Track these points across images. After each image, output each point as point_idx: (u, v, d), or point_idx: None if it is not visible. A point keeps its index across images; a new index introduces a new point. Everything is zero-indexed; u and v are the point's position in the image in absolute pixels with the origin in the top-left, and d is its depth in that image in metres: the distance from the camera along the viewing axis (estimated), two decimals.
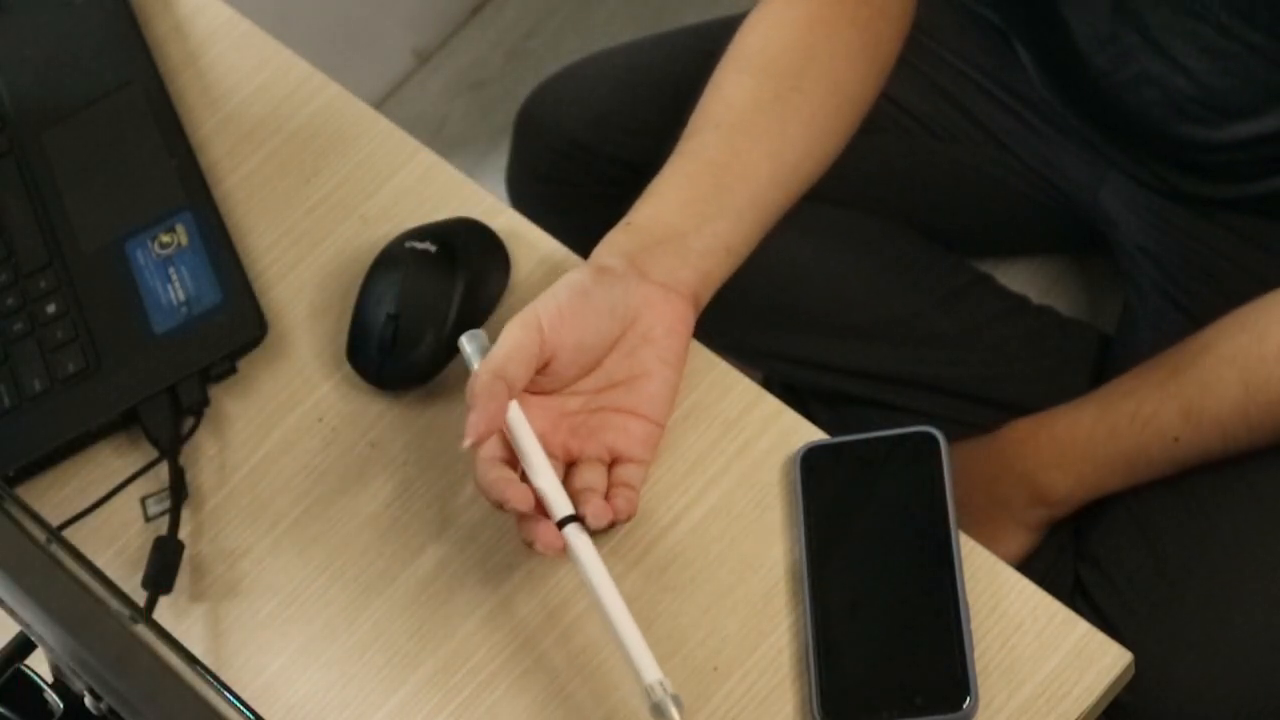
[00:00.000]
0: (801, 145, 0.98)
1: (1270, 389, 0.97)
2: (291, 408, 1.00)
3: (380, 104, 2.04)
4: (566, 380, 0.88)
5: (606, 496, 0.88)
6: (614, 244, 0.91)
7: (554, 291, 0.88)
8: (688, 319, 0.91)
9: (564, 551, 0.85)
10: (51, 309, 1.03)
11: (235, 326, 1.00)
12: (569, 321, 0.87)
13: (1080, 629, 0.83)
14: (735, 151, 0.96)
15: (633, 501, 0.88)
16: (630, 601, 0.89)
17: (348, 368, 0.99)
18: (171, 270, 1.03)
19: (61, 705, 0.69)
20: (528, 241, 1.01)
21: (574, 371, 0.88)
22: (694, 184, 0.94)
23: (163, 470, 0.98)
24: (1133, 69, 1.06)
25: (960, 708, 0.80)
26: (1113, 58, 1.07)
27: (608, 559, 0.90)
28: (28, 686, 0.70)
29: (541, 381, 0.88)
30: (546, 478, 0.86)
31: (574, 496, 0.87)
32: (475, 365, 0.89)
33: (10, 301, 1.04)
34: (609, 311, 0.88)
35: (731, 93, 0.98)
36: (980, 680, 0.82)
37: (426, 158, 1.06)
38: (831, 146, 1.00)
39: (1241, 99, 1.05)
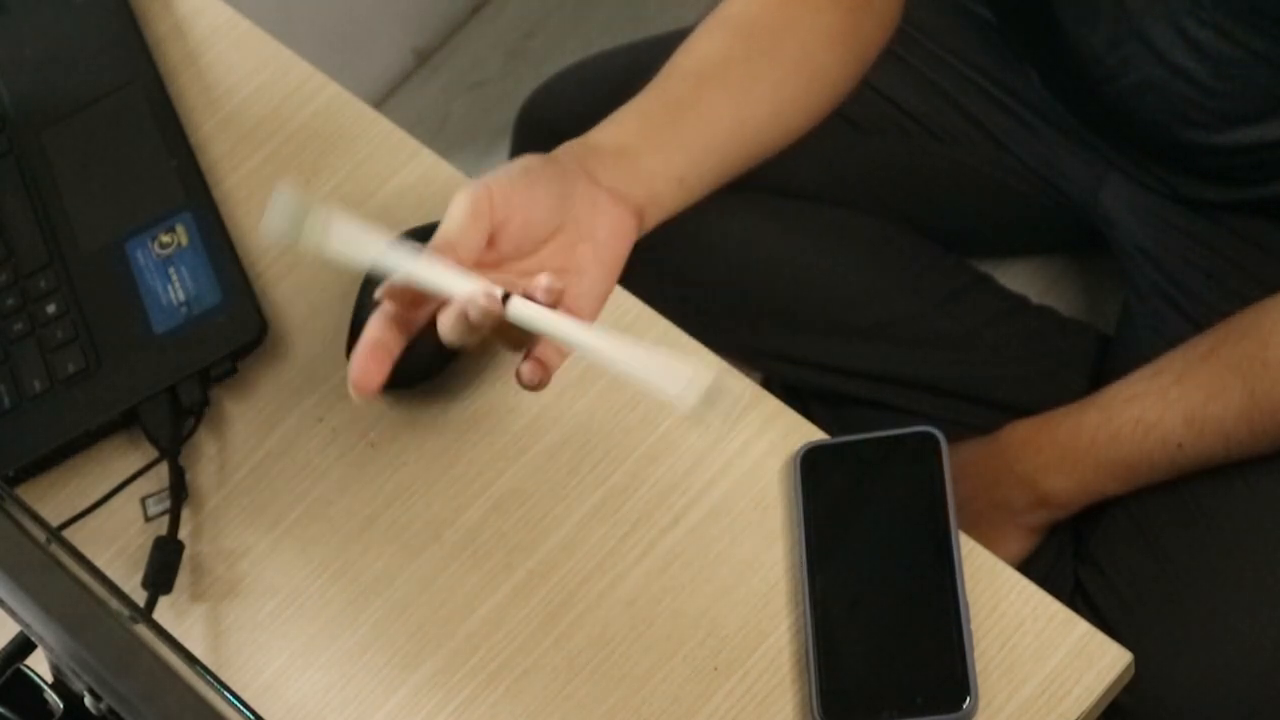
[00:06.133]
0: (767, 107, 0.97)
1: (1274, 395, 0.97)
2: (291, 408, 1.00)
3: (380, 104, 2.04)
4: (504, 256, 0.85)
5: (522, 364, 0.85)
6: (566, 149, 0.90)
7: (502, 169, 0.86)
8: (630, 230, 0.88)
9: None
10: (51, 309, 1.03)
11: (235, 327, 1.00)
12: (518, 195, 0.84)
13: (1080, 629, 0.83)
14: (699, 96, 0.95)
15: (548, 374, 0.84)
16: (630, 602, 0.89)
17: (348, 368, 0.99)
18: (171, 270, 1.03)
19: (61, 705, 0.69)
20: None
21: (513, 248, 0.85)
22: (653, 116, 0.93)
23: (163, 470, 0.98)
24: (1134, 75, 1.06)
25: (960, 708, 0.81)
26: (1114, 64, 1.07)
27: (607, 560, 0.90)
28: (28, 686, 0.70)
29: (481, 255, 0.84)
30: (467, 282, 0.81)
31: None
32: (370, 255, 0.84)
33: (10, 301, 1.04)
34: (557, 196, 0.86)
35: (702, 46, 0.98)
36: (980, 680, 0.82)
37: (426, 158, 1.06)
38: (799, 119, 0.99)
39: (1244, 104, 1.05)
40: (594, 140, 0.92)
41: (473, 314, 0.79)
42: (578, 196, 0.86)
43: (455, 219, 0.82)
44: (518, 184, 0.85)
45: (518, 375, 0.82)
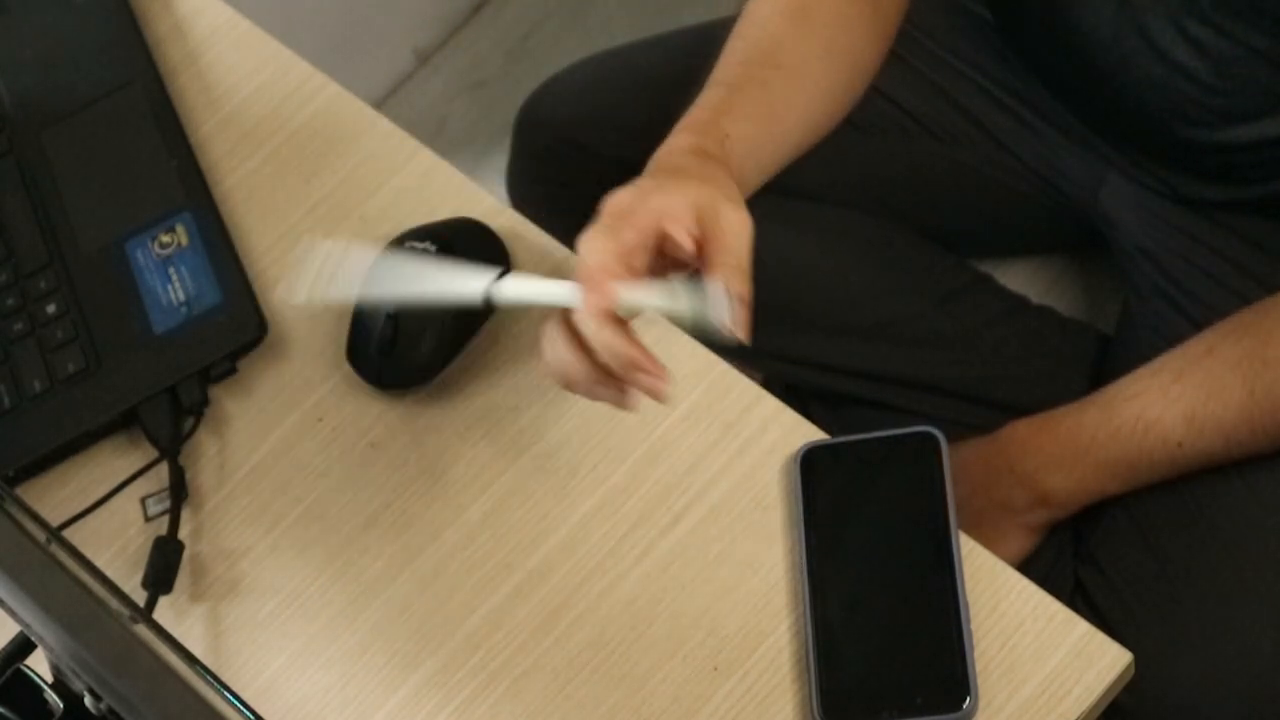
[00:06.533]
0: (822, 91, 1.00)
1: (1274, 393, 0.97)
2: (291, 408, 1.00)
3: (380, 104, 2.04)
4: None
5: None
6: (720, 152, 0.89)
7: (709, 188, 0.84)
8: None
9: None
10: (51, 309, 1.03)
11: (235, 326, 1.00)
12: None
13: (1080, 629, 0.83)
14: (773, 86, 0.96)
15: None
16: (630, 602, 0.89)
17: (348, 368, 0.99)
18: (171, 270, 1.03)
19: (61, 705, 0.69)
20: (528, 241, 1.01)
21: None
22: (756, 129, 0.93)
23: (163, 470, 0.98)
24: (1134, 73, 1.06)
25: (960, 708, 0.81)
26: (1114, 62, 1.07)
27: (607, 560, 0.90)
28: (28, 686, 0.70)
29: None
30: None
31: None
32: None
33: (10, 301, 1.04)
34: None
35: (761, 17, 0.99)
36: (980, 680, 0.82)
37: (426, 158, 1.06)
38: (840, 106, 1.02)
39: (1244, 102, 1.05)
40: (727, 154, 0.90)
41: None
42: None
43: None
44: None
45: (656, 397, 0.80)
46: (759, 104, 0.95)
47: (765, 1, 1.01)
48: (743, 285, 0.79)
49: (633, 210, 0.81)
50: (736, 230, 0.81)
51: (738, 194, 0.84)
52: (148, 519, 0.98)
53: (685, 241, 0.80)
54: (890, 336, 1.25)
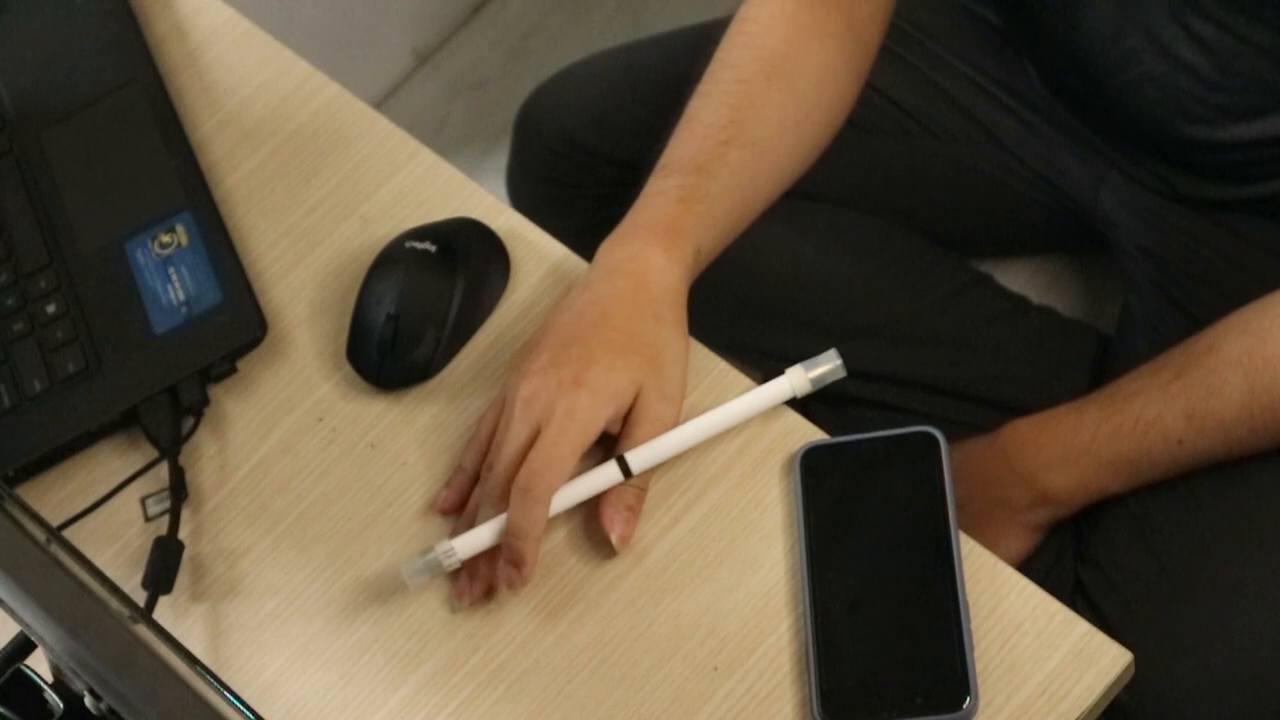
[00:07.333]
0: (797, 157, 1.03)
1: (1274, 391, 0.97)
2: (291, 408, 1.00)
3: (380, 104, 2.04)
4: None
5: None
6: (686, 280, 0.94)
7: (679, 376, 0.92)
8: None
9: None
10: (51, 309, 1.03)
11: (235, 326, 1.00)
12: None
13: (1080, 629, 0.83)
14: (759, 186, 0.99)
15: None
16: (630, 602, 0.89)
17: (348, 368, 0.99)
18: (171, 270, 1.03)
19: (61, 705, 0.69)
20: (528, 241, 1.01)
21: None
22: (726, 221, 0.97)
23: (163, 470, 0.98)
24: (1136, 70, 1.06)
25: (960, 708, 0.81)
26: (1116, 59, 1.07)
27: (607, 559, 0.90)
28: (28, 686, 0.70)
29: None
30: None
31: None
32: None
33: (10, 301, 1.04)
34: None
35: (757, 101, 1.00)
36: (980, 680, 0.82)
37: (426, 158, 1.06)
38: (809, 161, 1.05)
39: (1245, 99, 1.05)
40: (704, 252, 0.95)
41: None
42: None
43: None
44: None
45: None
46: (732, 192, 0.97)
47: (744, 54, 1.01)
48: (636, 499, 0.90)
49: (592, 420, 0.88)
50: (655, 426, 0.90)
51: (677, 372, 0.91)
52: (148, 519, 0.98)
53: (615, 431, 0.90)
54: (890, 336, 1.25)
